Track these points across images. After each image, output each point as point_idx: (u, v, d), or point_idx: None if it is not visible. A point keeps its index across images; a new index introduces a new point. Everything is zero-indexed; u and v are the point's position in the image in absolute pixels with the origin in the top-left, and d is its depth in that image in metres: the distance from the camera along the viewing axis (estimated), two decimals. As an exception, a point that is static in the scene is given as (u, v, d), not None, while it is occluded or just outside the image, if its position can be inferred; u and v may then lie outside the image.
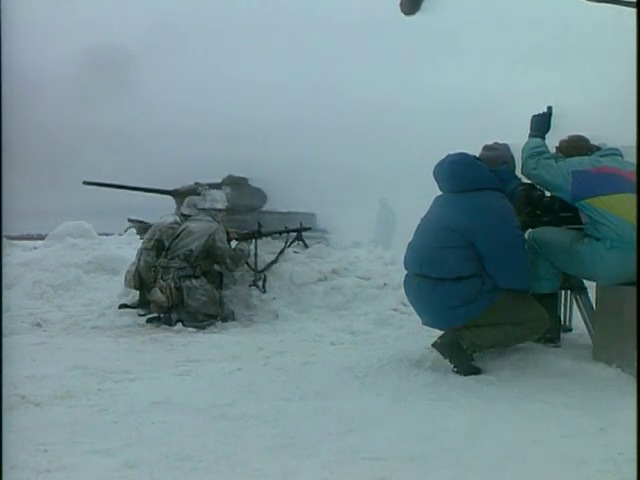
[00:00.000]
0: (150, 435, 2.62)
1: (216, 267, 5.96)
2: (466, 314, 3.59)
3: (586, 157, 3.92)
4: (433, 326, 3.88)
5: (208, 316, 5.59)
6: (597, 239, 3.73)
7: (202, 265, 5.74)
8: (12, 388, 3.16)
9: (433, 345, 3.74)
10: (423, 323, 3.96)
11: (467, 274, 3.60)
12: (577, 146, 4.04)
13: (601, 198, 3.73)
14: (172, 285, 5.58)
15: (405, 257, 3.94)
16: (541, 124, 4.09)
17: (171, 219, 6.44)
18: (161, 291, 5.61)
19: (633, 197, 3.55)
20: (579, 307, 4.20)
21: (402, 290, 4.13)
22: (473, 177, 3.76)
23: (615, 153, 3.95)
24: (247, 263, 6.15)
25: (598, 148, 4.04)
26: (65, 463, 2.30)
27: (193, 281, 5.64)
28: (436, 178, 3.92)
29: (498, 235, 3.60)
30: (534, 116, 4.13)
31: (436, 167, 3.92)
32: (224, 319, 5.69)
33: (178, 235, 5.88)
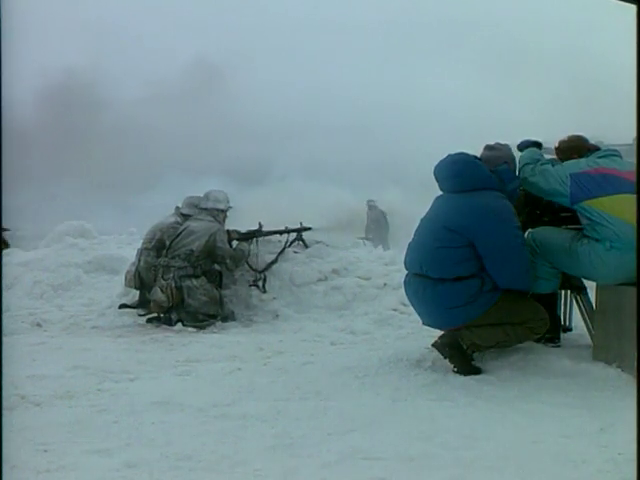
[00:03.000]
0: (150, 435, 2.62)
1: (216, 267, 5.96)
2: (466, 314, 3.59)
3: (583, 159, 3.90)
4: (433, 326, 3.88)
5: (208, 316, 5.59)
6: (596, 240, 3.72)
7: (202, 265, 5.75)
8: (12, 388, 3.16)
9: (433, 345, 3.73)
10: (423, 323, 3.95)
11: (467, 274, 3.59)
12: (576, 146, 4.03)
13: (600, 199, 3.71)
14: (172, 285, 5.58)
15: (405, 257, 3.94)
16: (531, 141, 4.15)
17: (172, 219, 6.45)
18: (162, 290, 5.61)
19: (633, 197, 3.55)
20: (579, 307, 4.20)
21: (402, 290, 4.13)
22: (473, 177, 3.75)
23: (613, 154, 3.93)
24: (247, 263, 6.15)
25: (597, 148, 4.03)
26: (65, 463, 2.31)
27: (193, 281, 5.65)
28: (436, 178, 3.92)
29: (498, 235, 3.60)
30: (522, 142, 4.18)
31: (436, 167, 3.92)
32: (224, 319, 5.69)
33: (179, 234, 5.88)
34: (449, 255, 3.61)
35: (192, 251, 5.71)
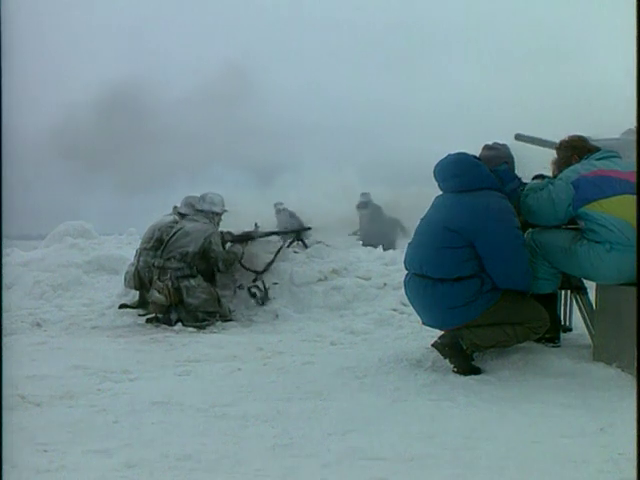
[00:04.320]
0: (150, 435, 2.62)
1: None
2: (466, 314, 3.59)
3: (577, 165, 3.87)
4: (433, 326, 3.88)
5: (208, 314, 5.60)
6: (597, 242, 3.70)
7: (198, 265, 5.78)
8: (12, 388, 3.16)
9: (433, 345, 3.73)
10: (423, 323, 3.96)
11: (467, 274, 3.59)
12: (577, 146, 4.02)
13: (600, 202, 3.69)
14: (170, 285, 5.60)
15: (405, 257, 3.94)
16: (536, 175, 4.18)
17: (170, 218, 6.45)
18: (158, 292, 5.62)
19: (633, 198, 3.55)
20: (579, 307, 4.20)
21: (402, 290, 4.13)
22: (473, 177, 3.75)
23: (612, 155, 3.91)
24: (241, 264, 6.15)
25: (597, 149, 4.01)
26: (65, 463, 2.31)
27: (191, 280, 5.68)
28: (436, 178, 3.92)
29: (498, 235, 3.60)
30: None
31: (436, 167, 3.92)
32: (223, 317, 5.70)
33: (174, 234, 5.90)
34: (449, 255, 3.61)
35: (188, 252, 5.73)
